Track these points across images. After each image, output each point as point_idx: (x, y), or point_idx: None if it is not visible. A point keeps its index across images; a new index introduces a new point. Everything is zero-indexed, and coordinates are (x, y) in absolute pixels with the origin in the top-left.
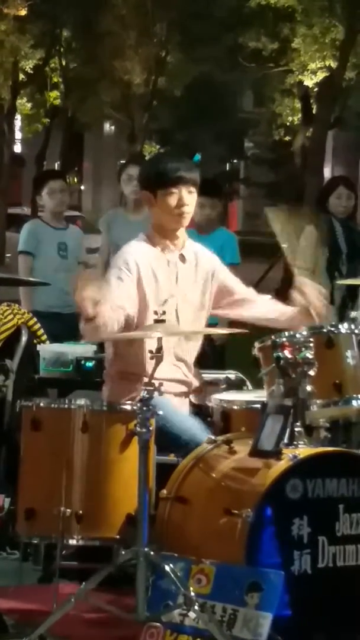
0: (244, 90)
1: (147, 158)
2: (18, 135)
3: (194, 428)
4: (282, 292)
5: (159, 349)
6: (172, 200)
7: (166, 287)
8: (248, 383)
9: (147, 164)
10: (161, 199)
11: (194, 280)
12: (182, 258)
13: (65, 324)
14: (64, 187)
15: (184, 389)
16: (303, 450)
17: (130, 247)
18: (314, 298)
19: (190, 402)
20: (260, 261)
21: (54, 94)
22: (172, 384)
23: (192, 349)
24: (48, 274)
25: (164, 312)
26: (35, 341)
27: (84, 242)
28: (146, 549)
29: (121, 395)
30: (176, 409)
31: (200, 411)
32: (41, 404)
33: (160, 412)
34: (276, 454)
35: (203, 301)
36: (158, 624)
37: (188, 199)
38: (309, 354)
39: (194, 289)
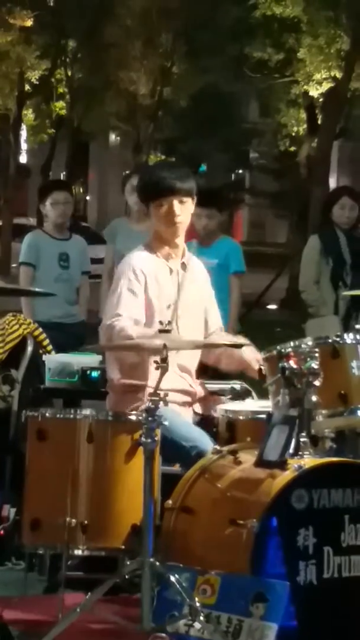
0: (249, 101)
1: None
2: (24, 145)
3: (200, 437)
4: (288, 303)
5: (164, 359)
6: (162, 211)
7: (169, 295)
8: (253, 393)
9: (141, 175)
10: (153, 210)
11: (195, 288)
12: (184, 266)
13: (68, 334)
14: (68, 199)
15: (187, 399)
16: (308, 460)
17: (135, 255)
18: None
19: (194, 411)
20: (265, 271)
21: (60, 104)
22: (177, 394)
23: (195, 358)
24: (49, 284)
25: (169, 322)
26: (40, 351)
27: (88, 252)
28: (151, 559)
29: (126, 406)
30: (180, 416)
31: (204, 421)
32: (47, 414)
33: (166, 422)
34: (281, 464)
35: (202, 309)
36: (164, 635)
37: (179, 209)
38: (315, 364)
39: (194, 297)
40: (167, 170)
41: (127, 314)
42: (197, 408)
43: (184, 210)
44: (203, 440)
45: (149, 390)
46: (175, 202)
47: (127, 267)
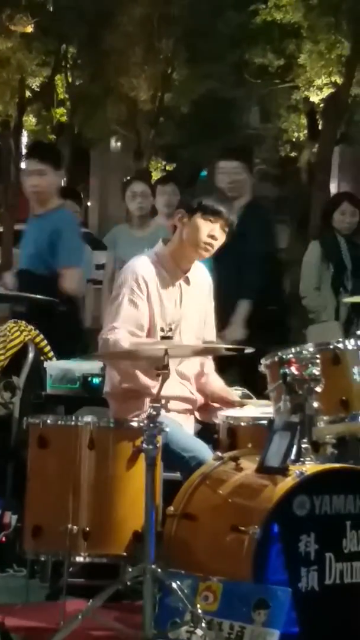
0: (250, 107)
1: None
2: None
3: (200, 448)
4: (289, 307)
5: (166, 366)
6: (206, 227)
7: (170, 310)
8: (254, 399)
9: (198, 192)
10: (195, 221)
11: (196, 302)
12: (187, 280)
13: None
14: (74, 209)
15: (188, 406)
16: (310, 466)
17: (140, 263)
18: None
19: (196, 418)
20: None
21: (60, 110)
22: (177, 401)
23: (194, 365)
24: None
25: (170, 329)
26: (42, 358)
27: (92, 259)
28: (153, 566)
29: (127, 413)
30: (181, 427)
31: (205, 428)
32: (48, 421)
33: (167, 429)
34: (283, 470)
35: (202, 319)
36: None
37: (219, 234)
38: (316, 371)
39: (195, 310)
40: (222, 201)
41: (123, 327)
42: (198, 415)
43: (221, 238)
44: (203, 451)
45: (150, 397)
46: (218, 226)
47: (131, 275)
